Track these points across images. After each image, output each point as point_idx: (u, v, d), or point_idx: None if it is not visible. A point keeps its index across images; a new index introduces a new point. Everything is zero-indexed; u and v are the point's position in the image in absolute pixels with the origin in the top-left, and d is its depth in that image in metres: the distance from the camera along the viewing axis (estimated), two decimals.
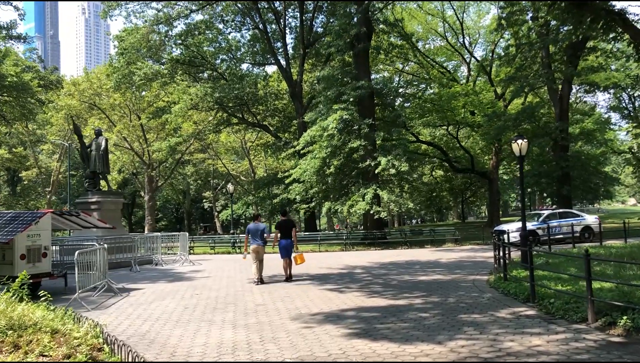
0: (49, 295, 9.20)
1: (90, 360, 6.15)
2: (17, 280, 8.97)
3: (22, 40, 34.27)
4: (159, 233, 19.57)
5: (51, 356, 6.20)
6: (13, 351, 6.30)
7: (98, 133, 21.09)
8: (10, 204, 56.61)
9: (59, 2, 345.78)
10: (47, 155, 53.92)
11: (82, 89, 42.08)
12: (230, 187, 35.01)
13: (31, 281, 12.12)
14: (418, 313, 8.84)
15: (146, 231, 42.44)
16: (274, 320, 8.79)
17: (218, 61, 38.31)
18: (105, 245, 12.31)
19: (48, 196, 50.63)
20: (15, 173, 55.21)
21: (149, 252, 19.95)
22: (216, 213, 61.01)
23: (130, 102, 42.80)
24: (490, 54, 39.36)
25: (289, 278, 13.85)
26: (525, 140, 13.99)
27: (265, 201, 35.24)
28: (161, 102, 40.59)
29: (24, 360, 6.08)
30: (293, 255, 13.91)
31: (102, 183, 23.95)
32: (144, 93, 41.74)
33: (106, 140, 21.20)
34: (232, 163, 56.19)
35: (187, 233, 21.32)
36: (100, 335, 6.93)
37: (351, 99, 25.64)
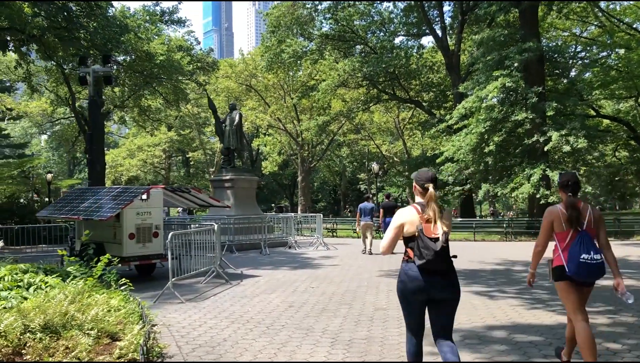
0: (130, 284, 7.91)
1: None
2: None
3: (182, 25, 35.49)
4: (292, 214, 18.31)
5: None
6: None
7: (232, 108, 20.30)
8: (184, 185, 60.85)
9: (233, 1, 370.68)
10: (212, 135, 56.47)
11: (238, 71, 42.88)
12: (375, 166, 32.90)
13: (138, 262, 11.33)
14: (604, 343, 5.94)
15: (299, 212, 42.24)
16: (390, 337, 6.53)
17: (369, 35, 36.19)
18: (215, 226, 10.94)
19: (212, 177, 53.05)
20: (184, 154, 58.88)
21: (284, 234, 18.70)
22: (370, 195, 59.58)
23: (283, 83, 42.67)
24: None
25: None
26: None
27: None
28: (313, 80, 39.71)
29: None
30: None
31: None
32: (298, 73, 41.30)
33: (240, 115, 20.32)
34: (385, 144, 54.05)
35: (322, 215, 19.75)
36: (144, 347, 5.24)
37: (516, 64, 21.91)
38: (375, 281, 10.99)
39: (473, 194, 30.29)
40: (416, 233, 4.03)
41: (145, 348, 5.22)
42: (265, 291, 9.79)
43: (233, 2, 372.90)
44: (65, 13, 19.13)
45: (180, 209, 30.27)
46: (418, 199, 4.27)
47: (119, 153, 51.61)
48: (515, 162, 24.17)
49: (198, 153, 55.16)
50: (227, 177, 19.63)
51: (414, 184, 4.32)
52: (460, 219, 27.03)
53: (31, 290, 7.18)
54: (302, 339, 6.42)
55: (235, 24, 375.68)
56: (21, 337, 5.25)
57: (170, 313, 7.94)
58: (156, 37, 28.93)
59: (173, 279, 9.12)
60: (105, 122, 37.69)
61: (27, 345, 5.17)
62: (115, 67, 27.19)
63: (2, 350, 5.02)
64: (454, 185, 26.78)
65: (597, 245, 4.53)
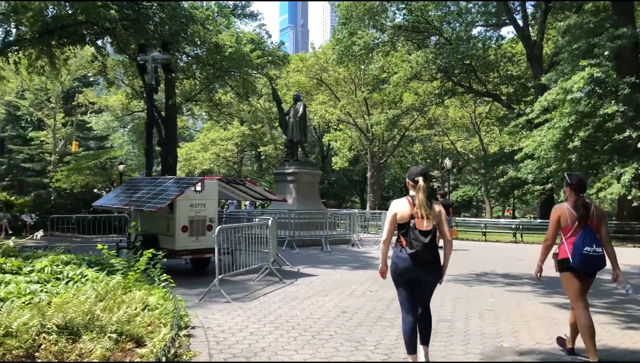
0: (172, 280, 7.41)
1: None
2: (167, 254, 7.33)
3: (253, 18, 35.48)
4: (356, 210, 17.48)
5: None
6: None
7: (296, 99, 19.67)
8: (255, 179, 61.42)
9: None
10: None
11: (309, 65, 42.41)
12: (447, 163, 31.33)
13: (190, 257, 10.92)
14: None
15: (367, 209, 41.30)
16: (453, 355, 5.62)
17: (445, 26, 34.60)
18: (270, 221, 10.32)
19: (274, 170, 53.03)
20: (256, 149, 59.31)
21: (348, 231, 17.91)
22: (439, 195, 57.61)
23: (354, 76, 41.80)
24: None
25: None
26: None
27: (493, 180, 30.79)
28: (384, 73, 38.56)
29: None
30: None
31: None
32: (370, 66, 40.31)
33: (304, 106, 19.68)
34: (461, 141, 51.94)
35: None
36: (161, 358, 4.62)
37: (606, 53, 19.95)
38: (442, 287, 9.95)
39: (554, 195, 28.22)
40: (409, 225, 4.72)
41: (165, 357, 4.60)
42: (319, 293, 9.05)
43: (309, 1, 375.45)
44: (134, 5, 19.23)
45: (247, 202, 30.18)
46: (411, 192, 4.91)
47: (192, 146, 52.61)
48: (603, 160, 22.13)
49: (269, 148, 55.38)
50: (290, 170, 19.07)
51: (407, 180, 5.04)
52: (540, 220, 25.16)
53: (70, 284, 6.81)
54: (350, 353, 5.63)
55: (311, 20, 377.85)
56: (37, 337, 4.79)
57: (213, 314, 7.37)
58: (226, 29, 28.89)
59: (220, 276, 8.55)
60: (179, 116, 38.43)
61: (42, 346, 4.69)
62: (185, 59, 27.43)
63: (13, 351, 4.56)
64: (533, 184, 25.00)
65: (598, 239, 5.01)
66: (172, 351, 4.88)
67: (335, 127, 50.08)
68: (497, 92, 34.16)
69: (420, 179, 4.78)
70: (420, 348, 4.92)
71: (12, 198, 28.69)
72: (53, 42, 21.87)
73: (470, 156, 50.98)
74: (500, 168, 32.88)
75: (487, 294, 9.24)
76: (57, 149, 43.18)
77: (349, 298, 8.62)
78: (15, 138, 48.95)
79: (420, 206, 4.69)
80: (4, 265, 7.04)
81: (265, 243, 10.44)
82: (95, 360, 4.54)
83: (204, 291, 8.61)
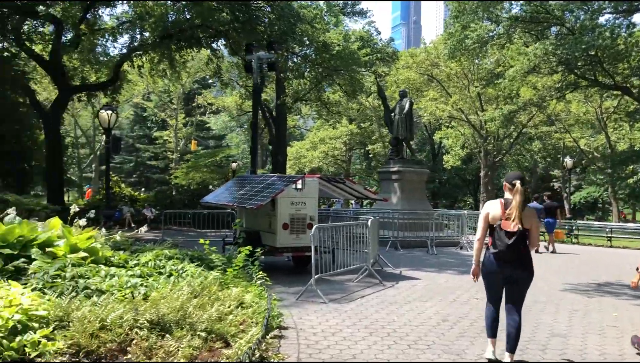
0: (267, 278, 7.37)
1: None
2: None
3: (363, 16, 35.33)
4: (465, 211, 16.60)
5: None
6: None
7: (402, 95, 19.09)
8: (364, 177, 61.46)
9: None
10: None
11: (419, 61, 41.45)
12: (568, 162, 29.01)
13: (291, 254, 10.92)
14: None
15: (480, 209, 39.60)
16: None
17: (567, 15, 32.16)
18: (370, 221, 10.01)
19: (379, 168, 52.41)
20: (364, 147, 59.15)
21: (456, 232, 17.13)
22: (565, 194, 53.79)
23: (467, 71, 40.23)
24: None
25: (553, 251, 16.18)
26: None
27: (622, 181, 28.12)
28: (499, 67, 36.71)
29: None
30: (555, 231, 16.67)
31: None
32: (484, 60, 38.63)
33: (410, 102, 19.06)
34: (585, 138, 48.15)
35: None
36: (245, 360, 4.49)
37: None
38: (557, 296, 9.12)
39: None
40: (495, 226, 5.00)
41: (249, 360, 4.47)
42: (420, 298, 8.61)
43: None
44: (245, 7, 19.78)
45: (353, 201, 30.07)
46: (507, 195, 5.14)
47: (302, 145, 53.56)
48: None
49: (377, 146, 55.00)
50: (394, 169, 18.58)
51: (504, 183, 5.25)
52: None
53: (171, 278, 6.96)
54: None
55: (424, 17, 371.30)
56: (129, 332, 4.87)
57: (307, 315, 7.22)
58: (334, 27, 28.96)
59: (317, 275, 8.39)
60: (289, 115, 39.22)
61: (134, 341, 4.76)
62: (295, 60, 27.86)
63: (107, 344, 4.65)
64: None
65: None
66: (258, 354, 4.75)
67: (446, 124, 48.61)
68: (627, 84, 31.17)
69: (518, 183, 5.01)
70: (506, 354, 5.11)
71: (136, 193, 30.83)
72: (172, 46, 23.20)
73: (595, 154, 47.18)
74: (631, 167, 30.01)
75: (609, 307, 8.29)
76: (178, 148, 45.98)
77: (452, 306, 8.11)
78: (142, 137, 52.86)
79: (515, 208, 4.91)
80: (112, 258, 7.36)
81: (367, 243, 10.16)
82: (182, 361, 4.52)
83: (301, 289, 8.50)
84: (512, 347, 5.08)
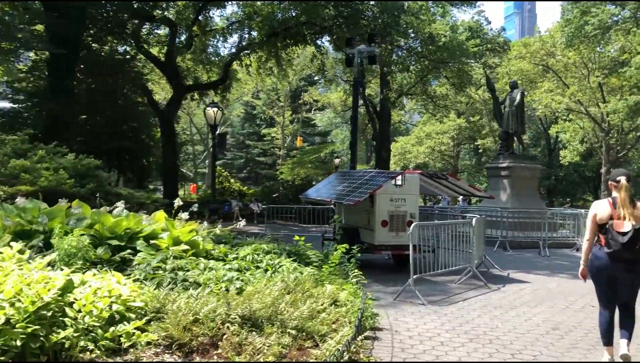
0: (363, 276, 7.21)
1: None
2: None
3: (471, 5, 33.95)
4: (582, 210, 15.28)
5: None
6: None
7: (513, 86, 17.96)
8: (473, 174, 59.27)
9: None
10: None
11: (533, 51, 39.10)
12: None
13: (390, 252, 10.66)
14: None
15: None
16: None
17: None
18: (474, 220, 9.49)
19: (487, 164, 50.04)
20: (473, 142, 57.03)
21: (572, 233, 15.88)
22: None
23: (587, 60, 37.34)
24: None
25: None
26: None
27: None
28: (625, 54, 33.69)
29: None
30: None
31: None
32: (605, 47, 35.70)
33: (522, 94, 17.88)
34: None
35: None
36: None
37: None
38: None
39: None
40: (607, 226, 4.85)
41: (337, 361, 4.31)
42: (528, 303, 8.01)
43: None
44: (348, 2, 19.72)
45: (461, 198, 29.06)
46: (614, 193, 4.98)
47: (408, 141, 52.66)
48: None
49: (488, 141, 52.76)
50: (504, 164, 17.58)
51: (609, 182, 5.10)
52: None
53: (267, 273, 6.99)
54: None
55: (539, 5, 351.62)
56: (221, 326, 4.91)
57: (404, 316, 6.95)
58: (441, 18, 28.08)
59: (415, 276, 8.08)
60: (394, 110, 38.68)
61: (225, 336, 4.78)
62: (400, 53, 27.34)
63: (199, 338, 4.72)
64: None
65: None
66: (347, 356, 4.58)
67: (563, 117, 45.57)
68: None
69: (623, 179, 4.90)
70: (620, 341, 4.90)
71: (244, 188, 31.94)
72: (279, 44, 23.73)
73: None
74: None
75: None
76: (285, 144, 47.09)
77: (563, 313, 7.45)
78: (252, 134, 54.76)
79: (622, 205, 4.79)
80: (213, 251, 7.54)
81: (471, 243, 9.66)
82: (270, 360, 4.47)
83: (399, 289, 8.24)
84: (628, 336, 4.90)
